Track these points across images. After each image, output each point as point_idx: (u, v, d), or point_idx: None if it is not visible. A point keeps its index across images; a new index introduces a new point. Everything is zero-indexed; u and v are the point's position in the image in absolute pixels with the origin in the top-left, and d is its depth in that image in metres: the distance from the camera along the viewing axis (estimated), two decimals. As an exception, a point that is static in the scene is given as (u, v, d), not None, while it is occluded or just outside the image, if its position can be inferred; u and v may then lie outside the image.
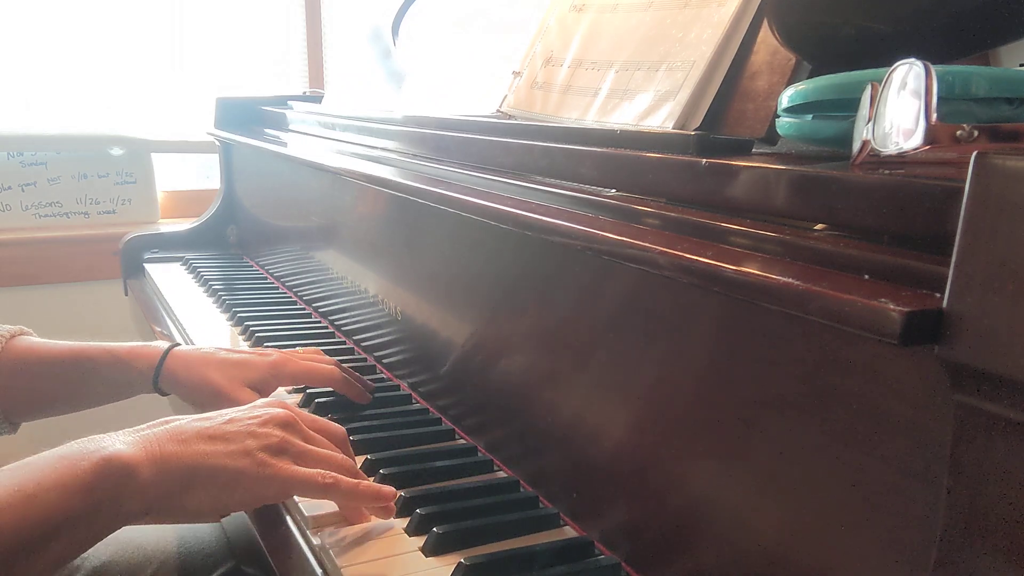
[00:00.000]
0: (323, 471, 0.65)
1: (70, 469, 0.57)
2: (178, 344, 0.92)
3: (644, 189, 0.62)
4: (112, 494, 0.58)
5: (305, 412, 0.73)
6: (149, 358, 0.90)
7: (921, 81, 0.43)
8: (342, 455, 0.69)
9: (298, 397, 0.95)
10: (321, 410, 0.91)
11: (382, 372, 1.04)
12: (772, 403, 0.49)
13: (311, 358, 0.94)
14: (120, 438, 0.61)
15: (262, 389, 0.88)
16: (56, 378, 0.91)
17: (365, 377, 0.96)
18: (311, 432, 0.70)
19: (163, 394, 0.92)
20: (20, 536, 0.54)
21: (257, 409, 0.68)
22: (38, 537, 0.55)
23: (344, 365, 0.94)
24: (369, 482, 0.66)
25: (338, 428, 0.74)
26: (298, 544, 0.68)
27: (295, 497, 0.69)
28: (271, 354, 0.91)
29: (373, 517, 0.69)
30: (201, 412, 0.87)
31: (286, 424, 0.67)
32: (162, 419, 0.66)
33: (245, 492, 0.63)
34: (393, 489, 0.66)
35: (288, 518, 0.70)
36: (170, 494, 0.61)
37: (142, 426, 0.64)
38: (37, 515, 0.55)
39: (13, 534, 0.54)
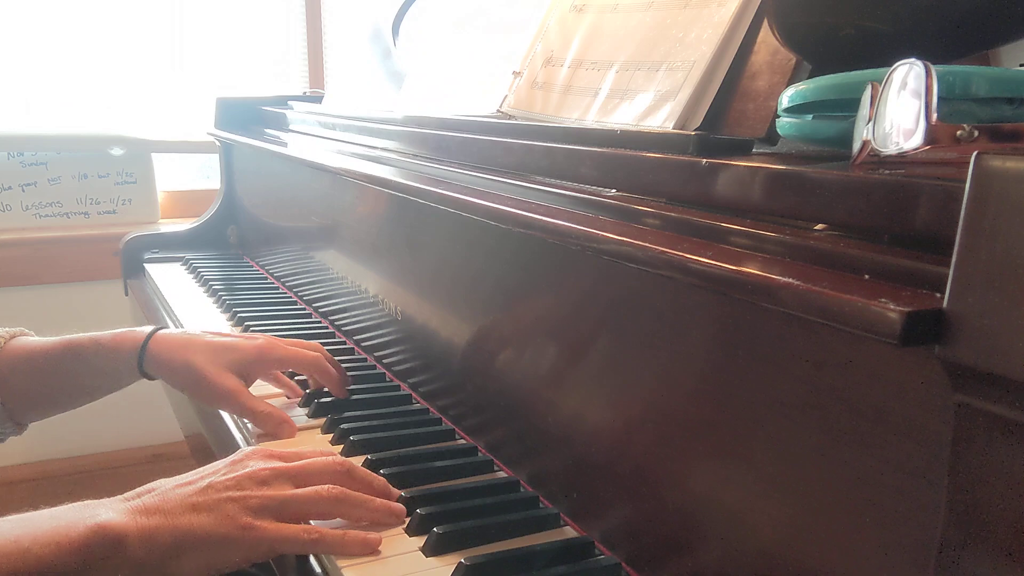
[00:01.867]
0: (307, 527, 0.65)
1: (65, 531, 0.59)
2: (163, 327, 0.92)
3: (644, 189, 0.62)
4: (102, 560, 0.60)
5: (289, 450, 0.72)
6: (133, 343, 0.90)
7: (921, 81, 0.43)
8: (326, 487, 0.68)
9: (302, 397, 0.95)
10: (322, 410, 0.91)
11: (383, 371, 1.04)
12: (772, 403, 0.49)
13: (298, 343, 0.95)
14: (112, 506, 0.63)
15: (246, 375, 0.88)
16: (49, 373, 0.91)
17: (366, 384, 0.96)
18: (297, 466, 0.69)
19: (150, 378, 0.91)
20: None
21: (236, 468, 0.68)
22: None
23: (329, 355, 0.95)
24: (355, 532, 0.66)
25: (316, 454, 0.72)
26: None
27: None
28: (257, 338, 0.91)
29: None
30: (185, 394, 0.88)
31: (264, 481, 0.66)
32: (149, 485, 0.67)
33: (235, 555, 0.64)
34: (379, 536, 0.66)
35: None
36: (160, 563, 0.62)
37: (132, 492, 0.66)
38: (30, 568, 0.57)
39: None
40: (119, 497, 0.65)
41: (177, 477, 0.68)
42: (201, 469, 0.69)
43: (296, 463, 0.69)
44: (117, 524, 0.61)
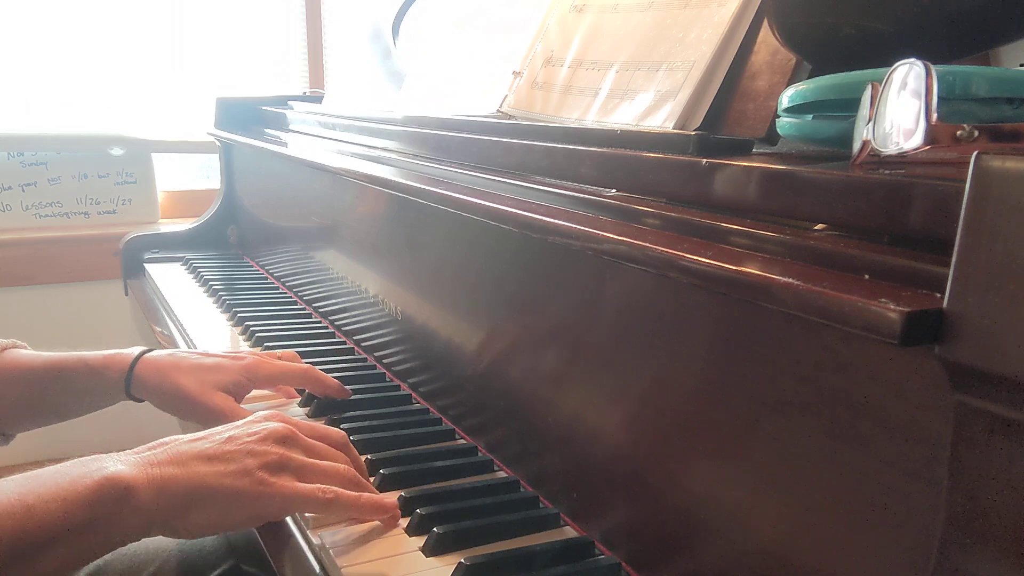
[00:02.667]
0: (323, 486, 0.65)
1: (71, 484, 0.58)
2: (149, 350, 0.91)
3: (644, 189, 0.62)
4: (111, 512, 0.59)
5: (304, 421, 0.73)
6: (120, 365, 0.89)
7: (921, 81, 0.43)
8: (343, 465, 0.68)
9: (299, 398, 0.95)
10: (322, 410, 0.91)
11: (383, 371, 1.04)
12: (772, 403, 0.49)
13: (288, 356, 0.94)
14: (121, 459, 0.62)
15: (235, 392, 0.87)
16: (37, 390, 0.90)
17: (366, 384, 0.96)
18: (311, 442, 0.69)
19: (137, 400, 0.90)
20: (18, 543, 0.55)
21: (255, 425, 0.68)
22: (36, 545, 0.56)
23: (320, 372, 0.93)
24: (370, 494, 0.66)
25: (338, 433, 0.73)
26: (298, 544, 0.68)
27: None
28: (244, 356, 0.90)
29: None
30: (174, 416, 0.87)
31: (284, 439, 0.67)
32: (162, 439, 0.66)
33: (246, 511, 0.63)
34: (394, 500, 0.66)
35: (288, 518, 0.70)
36: (171, 515, 0.61)
37: (143, 447, 0.65)
38: (37, 525, 0.56)
39: (12, 541, 0.55)
40: (129, 451, 0.64)
41: (190, 435, 0.67)
42: (217, 427, 0.68)
43: (313, 441, 0.69)
44: (126, 475, 0.60)
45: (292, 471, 0.65)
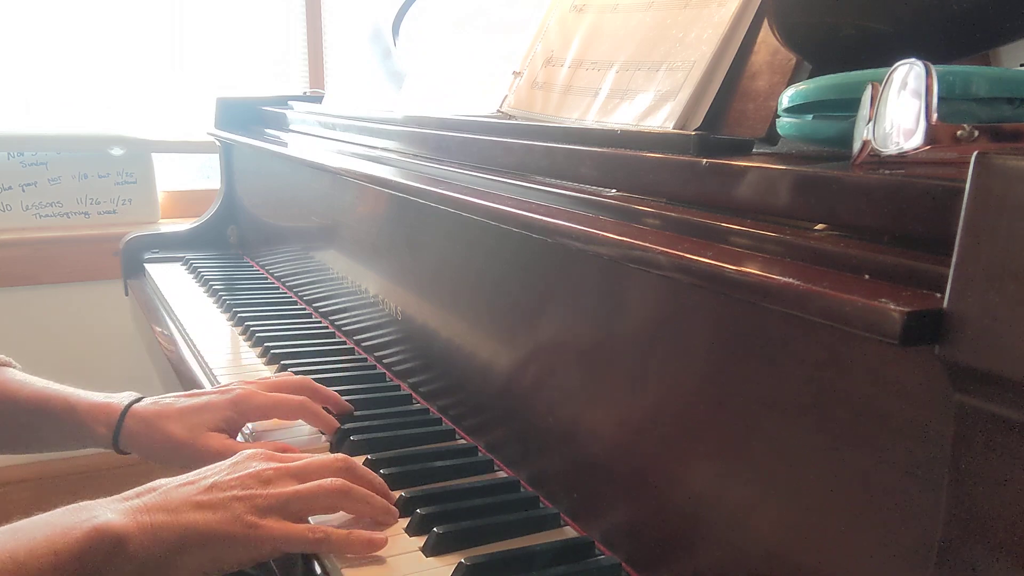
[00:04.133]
0: (313, 527, 0.65)
1: (61, 537, 0.58)
2: (138, 399, 0.87)
3: (644, 189, 0.62)
4: (103, 563, 0.59)
5: (283, 455, 0.71)
6: (107, 417, 0.86)
7: (922, 81, 0.43)
8: (329, 480, 0.68)
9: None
10: (321, 410, 0.91)
11: (383, 371, 1.04)
12: (772, 403, 0.49)
13: (283, 383, 0.90)
14: (110, 507, 0.62)
15: (228, 429, 0.85)
16: (19, 422, 0.88)
17: (366, 384, 0.95)
18: (298, 465, 0.68)
19: (124, 454, 0.88)
20: None
21: (239, 468, 0.67)
22: None
23: (317, 386, 0.90)
24: (360, 532, 0.66)
25: (337, 459, 0.71)
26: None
27: None
28: (232, 390, 0.87)
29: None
30: (165, 467, 0.82)
31: (268, 480, 0.66)
32: (150, 484, 0.66)
33: (238, 555, 0.64)
34: (384, 536, 0.66)
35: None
36: (162, 561, 0.61)
37: (131, 492, 0.65)
38: None
39: None
40: (117, 497, 0.64)
41: (178, 477, 0.67)
42: (202, 470, 0.68)
43: (297, 463, 0.69)
44: (117, 525, 0.60)
45: (279, 510, 0.65)
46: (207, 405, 0.85)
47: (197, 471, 0.68)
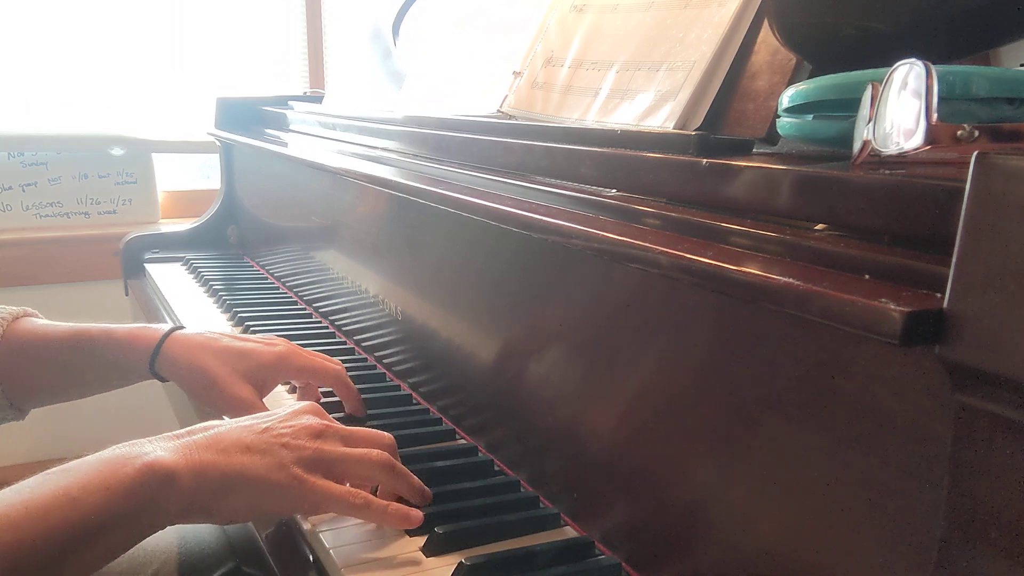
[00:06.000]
0: (355, 491, 0.65)
1: (114, 473, 0.59)
2: (181, 327, 0.88)
3: (645, 189, 0.62)
4: (154, 498, 0.60)
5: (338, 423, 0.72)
6: (148, 340, 0.86)
7: (922, 81, 0.43)
8: (376, 451, 0.68)
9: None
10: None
11: (383, 371, 1.04)
12: (772, 403, 0.49)
13: (319, 355, 0.92)
14: (161, 444, 0.62)
15: (263, 382, 0.85)
16: (55, 363, 0.88)
17: (366, 384, 0.95)
18: (347, 430, 0.69)
19: (161, 379, 0.88)
20: (65, 536, 0.56)
21: (293, 419, 0.68)
22: (82, 537, 0.57)
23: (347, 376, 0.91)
24: (398, 506, 0.66)
25: (386, 436, 0.72)
26: (299, 545, 0.68)
27: None
28: (278, 344, 0.87)
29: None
30: (196, 400, 0.84)
31: (319, 434, 0.67)
32: (201, 424, 0.66)
33: (279, 503, 0.64)
34: (421, 514, 0.66)
35: (289, 519, 0.70)
36: (208, 499, 0.62)
37: (182, 431, 0.65)
38: (81, 516, 0.57)
39: (59, 534, 0.56)
40: (169, 434, 0.64)
41: (232, 420, 0.67)
42: (259, 414, 0.69)
43: (350, 428, 0.70)
44: (167, 461, 0.60)
45: (324, 467, 0.65)
46: (251, 351, 0.85)
47: (252, 416, 0.69)
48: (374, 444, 0.69)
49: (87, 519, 0.57)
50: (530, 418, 0.74)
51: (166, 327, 0.88)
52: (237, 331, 1.23)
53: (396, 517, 0.66)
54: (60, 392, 0.92)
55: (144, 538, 0.62)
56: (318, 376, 0.88)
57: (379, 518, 0.66)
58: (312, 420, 0.68)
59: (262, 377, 0.85)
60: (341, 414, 0.89)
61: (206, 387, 0.84)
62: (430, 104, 1.09)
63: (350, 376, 0.96)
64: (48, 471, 0.59)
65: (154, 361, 0.86)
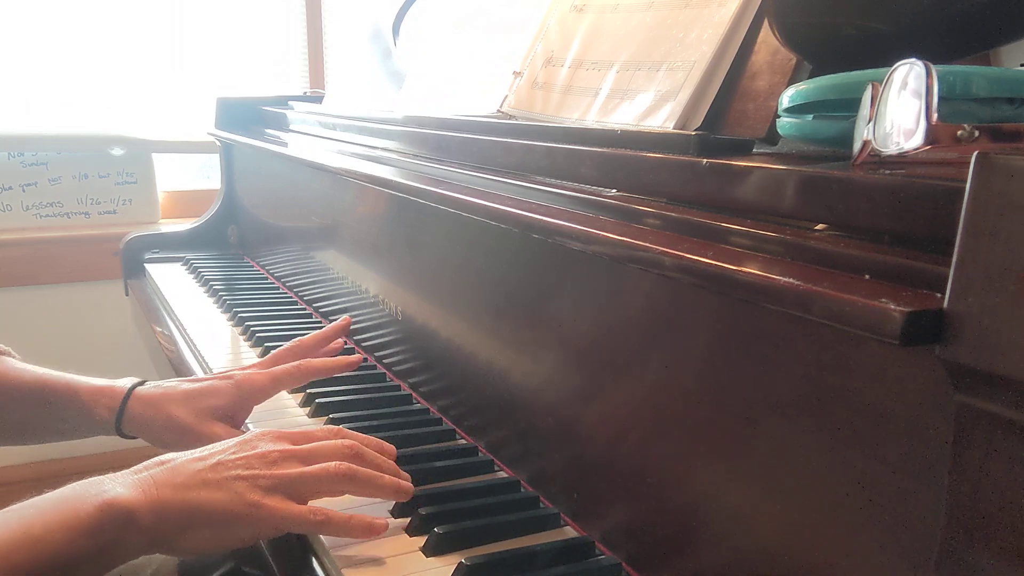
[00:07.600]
0: (316, 508, 0.65)
1: (74, 512, 0.59)
2: (141, 382, 0.87)
3: (645, 189, 0.62)
4: (114, 537, 0.60)
5: (292, 432, 0.71)
6: (110, 400, 0.85)
7: (922, 81, 0.43)
8: (335, 464, 0.68)
9: (299, 397, 0.95)
10: (322, 411, 0.91)
11: (383, 371, 1.04)
12: (773, 403, 0.49)
13: (276, 357, 0.91)
14: (120, 481, 0.63)
15: (234, 415, 0.85)
16: (20, 409, 0.87)
17: (366, 384, 0.95)
18: (306, 448, 0.69)
19: (127, 438, 0.87)
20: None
21: (246, 447, 0.68)
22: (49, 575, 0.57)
23: (310, 342, 0.93)
24: (361, 516, 0.66)
25: (325, 435, 0.72)
26: (298, 544, 0.68)
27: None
28: (233, 375, 0.87)
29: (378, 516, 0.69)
30: (169, 451, 0.85)
31: (273, 461, 0.67)
32: (159, 458, 0.67)
33: (241, 533, 0.64)
34: (384, 521, 0.66)
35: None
36: (169, 535, 0.62)
37: (141, 466, 0.65)
38: (45, 556, 0.57)
39: (24, 574, 0.56)
40: (128, 470, 0.64)
41: (188, 452, 0.67)
42: (211, 446, 0.69)
43: (305, 445, 0.69)
44: (126, 498, 0.61)
45: (283, 490, 0.65)
46: (211, 389, 0.85)
47: (205, 447, 0.68)
48: (334, 457, 0.69)
49: (53, 558, 0.57)
50: (530, 418, 0.74)
51: (127, 384, 0.86)
52: (238, 331, 1.23)
53: (359, 528, 0.66)
54: (24, 437, 0.92)
55: (113, 568, 0.62)
56: (280, 385, 0.88)
57: (343, 531, 0.66)
58: (266, 447, 0.68)
59: (230, 410, 0.85)
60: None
61: (179, 435, 0.83)
62: (430, 104, 1.09)
63: (350, 376, 0.96)
64: (6, 509, 0.60)
65: (119, 422, 0.85)
